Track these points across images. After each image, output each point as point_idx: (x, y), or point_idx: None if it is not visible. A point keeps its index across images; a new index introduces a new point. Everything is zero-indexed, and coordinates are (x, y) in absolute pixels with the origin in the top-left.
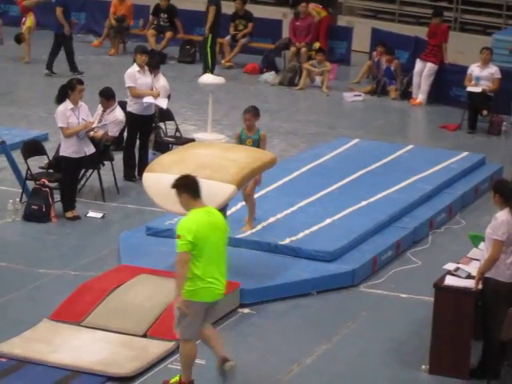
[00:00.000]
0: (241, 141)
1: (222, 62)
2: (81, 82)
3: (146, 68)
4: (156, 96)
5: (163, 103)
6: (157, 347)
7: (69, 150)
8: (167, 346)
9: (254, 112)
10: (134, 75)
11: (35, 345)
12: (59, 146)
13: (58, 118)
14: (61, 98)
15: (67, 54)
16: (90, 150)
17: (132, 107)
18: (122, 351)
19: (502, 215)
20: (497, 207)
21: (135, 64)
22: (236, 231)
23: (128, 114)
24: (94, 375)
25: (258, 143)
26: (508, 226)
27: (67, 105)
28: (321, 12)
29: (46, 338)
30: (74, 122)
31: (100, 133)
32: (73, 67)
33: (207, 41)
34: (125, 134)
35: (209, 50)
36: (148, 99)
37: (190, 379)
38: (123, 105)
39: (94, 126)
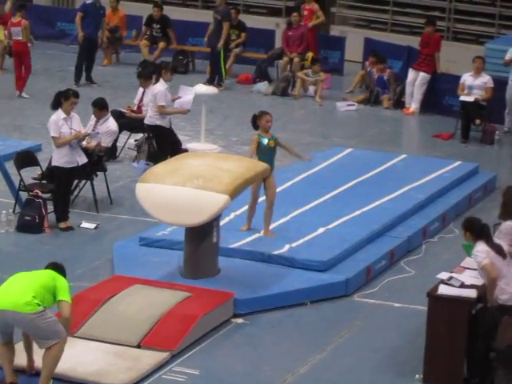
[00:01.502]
0: (261, 146)
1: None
2: (76, 95)
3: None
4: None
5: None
6: (150, 358)
7: (61, 159)
8: (161, 356)
9: (271, 115)
10: (166, 94)
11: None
12: (52, 156)
13: (51, 128)
14: (55, 104)
15: (89, 61)
16: (83, 159)
17: (160, 121)
18: (116, 362)
19: (478, 246)
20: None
21: (162, 81)
22: (229, 241)
23: (158, 127)
24: None
25: (276, 145)
26: (487, 253)
27: (60, 114)
28: (320, 16)
29: (39, 349)
30: (66, 132)
31: (93, 143)
32: (88, 77)
33: (220, 54)
34: (117, 144)
35: (222, 63)
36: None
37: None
38: (117, 114)
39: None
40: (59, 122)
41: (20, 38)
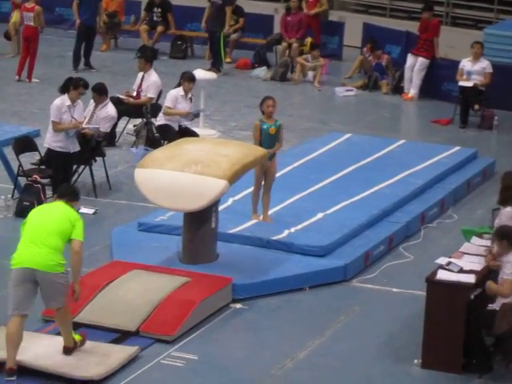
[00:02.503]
0: (262, 131)
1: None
2: (86, 87)
3: (190, 95)
4: None
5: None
6: (120, 352)
7: (54, 143)
8: (130, 350)
9: (275, 100)
10: (177, 99)
11: None
12: (46, 136)
13: (53, 111)
14: (63, 88)
15: (87, 47)
16: (76, 148)
17: (161, 121)
18: (85, 357)
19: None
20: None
21: (181, 88)
22: (228, 227)
23: (164, 126)
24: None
25: (278, 130)
26: None
27: (65, 100)
28: (324, 5)
29: (3, 345)
30: (67, 120)
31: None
32: (88, 62)
33: (220, 38)
34: (116, 129)
35: (222, 47)
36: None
37: None
38: (115, 100)
39: (84, 124)
40: (62, 108)
41: (31, 24)
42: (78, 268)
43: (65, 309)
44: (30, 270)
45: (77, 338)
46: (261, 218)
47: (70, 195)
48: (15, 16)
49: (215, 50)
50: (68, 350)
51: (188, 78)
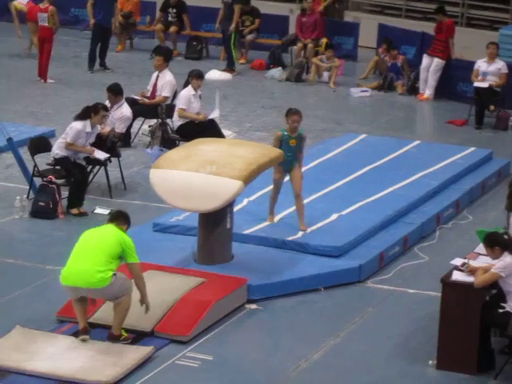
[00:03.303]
0: (283, 142)
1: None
2: (106, 109)
3: (199, 92)
4: None
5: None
6: (135, 352)
7: (61, 152)
8: (145, 350)
9: (300, 114)
10: (189, 99)
11: (9, 353)
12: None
13: (71, 133)
14: (83, 116)
15: (102, 48)
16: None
17: (175, 124)
18: (100, 358)
19: (507, 257)
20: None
21: (190, 87)
22: (243, 227)
23: (180, 128)
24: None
25: (299, 142)
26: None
27: (86, 126)
28: None
29: (20, 346)
30: (81, 143)
31: (107, 129)
32: (103, 63)
33: (231, 38)
34: (132, 130)
35: (233, 47)
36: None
37: None
38: (131, 101)
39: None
40: (81, 134)
41: (46, 24)
42: (143, 289)
43: (123, 305)
44: (74, 287)
45: (124, 333)
46: (275, 220)
47: (120, 219)
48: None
49: (226, 50)
50: (113, 338)
51: (196, 75)
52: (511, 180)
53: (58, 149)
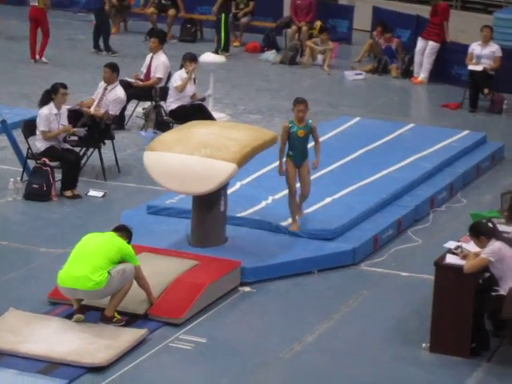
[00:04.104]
0: (291, 133)
1: None
2: (64, 86)
3: (193, 76)
4: None
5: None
6: (128, 335)
7: (44, 145)
8: (139, 333)
9: (306, 103)
10: (182, 79)
11: (3, 335)
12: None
13: (42, 122)
14: (45, 101)
15: (103, 32)
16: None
17: (175, 103)
18: (94, 340)
19: (495, 243)
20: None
21: (183, 70)
22: (236, 210)
23: (174, 111)
24: (73, 366)
25: (309, 134)
26: (499, 251)
27: (52, 109)
28: None
29: (14, 328)
30: (55, 127)
31: (101, 111)
32: (107, 47)
33: (221, 20)
34: (126, 113)
35: (223, 29)
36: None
37: None
38: (125, 84)
39: (93, 108)
40: (50, 117)
41: (36, 4)
42: (147, 288)
43: (123, 290)
44: (72, 289)
45: (117, 315)
46: (296, 227)
47: (123, 232)
48: None
49: (217, 32)
50: (105, 319)
51: (189, 59)
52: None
53: (39, 143)
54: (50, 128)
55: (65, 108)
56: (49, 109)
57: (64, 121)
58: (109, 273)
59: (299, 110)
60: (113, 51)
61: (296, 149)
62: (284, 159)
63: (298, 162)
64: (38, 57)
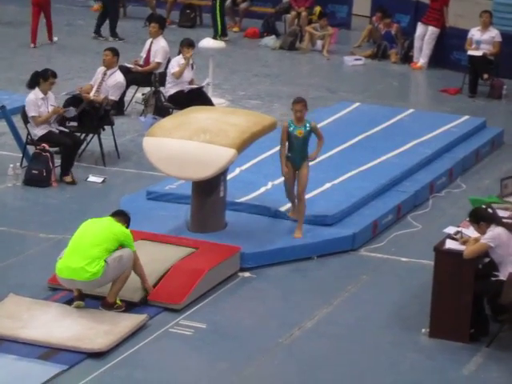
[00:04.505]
0: (289, 133)
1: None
2: (54, 75)
3: (191, 61)
4: None
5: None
6: (128, 321)
7: (41, 130)
8: (139, 318)
9: (305, 103)
10: (178, 62)
11: (3, 321)
12: (31, 134)
13: (30, 108)
14: (32, 83)
15: (111, 18)
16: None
17: (174, 89)
18: (93, 326)
19: (495, 229)
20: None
21: (181, 56)
22: (236, 196)
23: (174, 96)
24: (73, 352)
25: (308, 135)
26: (499, 236)
27: (38, 94)
28: None
29: (14, 314)
30: (44, 111)
31: (101, 97)
32: (114, 33)
33: (216, 6)
34: (125, 98)
35: (219, 14)
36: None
37: None
38: (123, 70)
39: (92, 94)
40: (38, 102)
41: None
42: (142, 275)
43: (122, 276)
44: (70, 280)
45: (119, 302)
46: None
47: (121, 216)
48: None
49: (212, 18)
50: (107, 305)
51: (187, 44)
52: None
53: (34, 130)
54: (40, 112)
55: (50, 93)
56: (35, 94)
57: (52, 101)
58: (105, 261)
59: (297, 110)
60: (119, 38)
61: (294, 150)
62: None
63: (296, 163)
64: (49, 41)
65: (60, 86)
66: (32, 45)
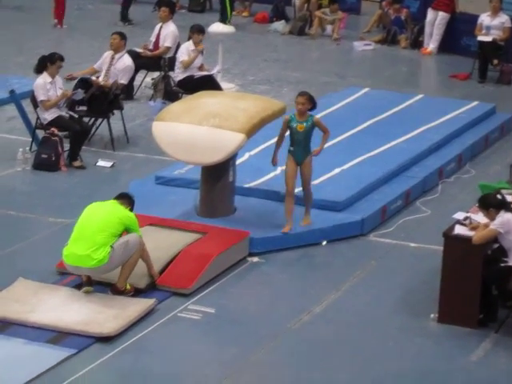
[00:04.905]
0: (290, 127)
1: (234, 13)
2: (62, 59)
3: (201, 48)
4: None
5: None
6: (137, 305)
7: (51, 115)
8: (147, 303)
9: (308, 96)
10: (189, 53)
11: (12, 305)
12: (40, 119)
13: (39, 92)
14: (39, 68)
15: (123, 2)
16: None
17: (183, 74)
18: (102, 310)
19: (505, 214)
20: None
21: (191, 41)
22: (245, 180)
23: (182, 82)
24: (81, 336)
25: (310, 129)
26: (508, 222)
27: (46, 78)
28: None
29: (23, 298)
30: (53, 95)
31: (110, 81)
32: (124, 17)
33: None
34: (134, 83)
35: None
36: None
37: None
38: (133, 54)
39: (101, 78)
40: (46, 86)
41: None
42: (148, 261)
43: (130, 261)
44: (76, 267)
45: (128, 286)
46: (288, 228)
47: (125, 199)
48: None
49: (220, 3)
50: (117, 291)
51: (197, 30)
52: None
53: (44, 114)
54: (49, 96)
55: (58, 77)
56: (43, 78)
57: (60, 85)
58: (111, 247)
59: (298, 103)
60: (130, 22)
61: (296, 144)
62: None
63: (298, 158)
64: (58, 26)
65: (70, 70)
66: (58, 26)
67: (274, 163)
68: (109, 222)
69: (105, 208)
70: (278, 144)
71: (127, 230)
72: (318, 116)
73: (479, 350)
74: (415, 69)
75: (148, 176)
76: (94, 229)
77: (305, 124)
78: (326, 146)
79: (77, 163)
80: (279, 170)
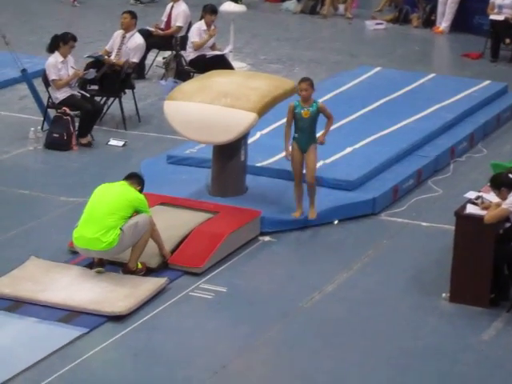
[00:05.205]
0: (295, 114)
1: None
2: (74, 39)
3: (213, 27)
4: None
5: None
6: (148, 284)
7: (63, 94)
8: (159, 282)
9: (311, 82)
10: (200, 32)
11: (24, 284)
12: (52, 98)
13: (51, 71)
14: (52, 48)
15: None
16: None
17: (194, 54)
18: (114, 289)
19: None
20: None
21: (203, 21)
22: (257, 160)
23: (193, 61)
24: (93, 315)
25: (315, 115)
26: None
27: (57, 57)
28: None
29: (35, 277)
30: (65, 74)
31: (122, 60)
32: None
33: None
34: (146, 62)
35: None
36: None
37: None
38: (145, 33)
39: (113, 57)
40: (58, 65)
41: None
42: (159, 241)
43: (141, 241)
44: (85, 249)
45: (139, 265)
46: (298, 213)
47: (134, 179)
48: None
49: None
50: (128, 271)
51: (210, 11)
52: None
53: (55, 93)
54: (60, 76)
55: (70, 56)
56: (54, 57)
57: (72, 63)
58: (121, 229)
59: (302, 89)
60: (141, 1)
61: (301, 131)
62: (290, 141)
63: (303, 145)
64: (72, 1)
65: (81, 49)
66: (75, 2)
67: (288, 154)
68: (118, 204)
69: (115, 190)
70: (287, 134)
71: (137, 212)
72: (330, 95)
73: (491, 329)
74: (427, 48)
75: (159, 155)
76: (104, 211)
77: (310, 109)
78: (338, 124)
79: (84, 140)
80: (291, 148)
